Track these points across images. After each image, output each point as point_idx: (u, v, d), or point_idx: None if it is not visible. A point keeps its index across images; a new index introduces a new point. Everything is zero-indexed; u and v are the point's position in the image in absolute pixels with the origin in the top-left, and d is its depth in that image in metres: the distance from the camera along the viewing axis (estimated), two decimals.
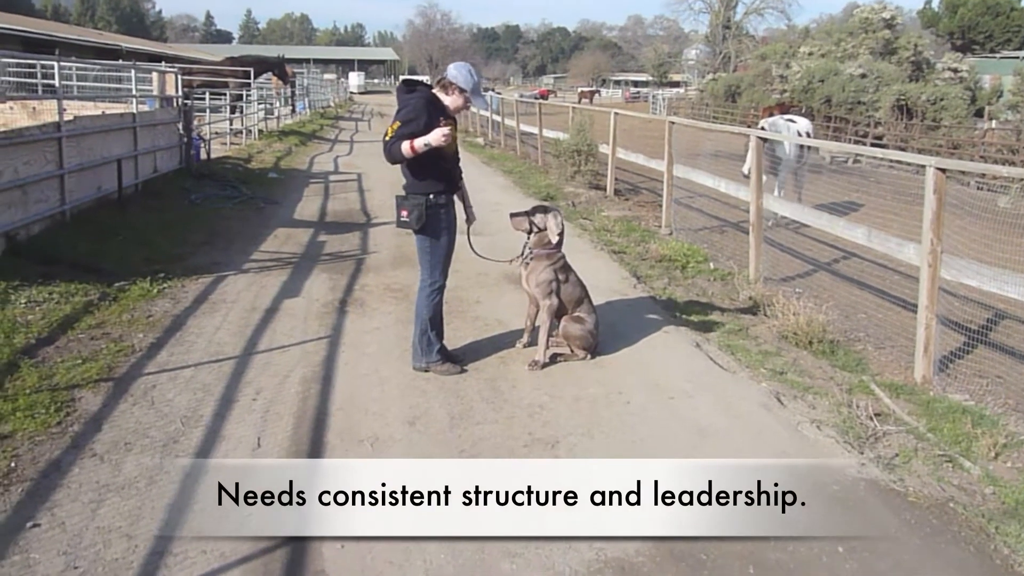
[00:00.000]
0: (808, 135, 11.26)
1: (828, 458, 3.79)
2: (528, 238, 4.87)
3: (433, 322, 4.59)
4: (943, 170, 4.72)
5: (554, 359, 4.86)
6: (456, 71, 4.42)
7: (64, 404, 3.98)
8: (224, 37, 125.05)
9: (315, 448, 3.69)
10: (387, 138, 4.26)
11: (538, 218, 4.84)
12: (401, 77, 4.73)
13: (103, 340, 4.95)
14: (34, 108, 11.45)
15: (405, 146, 4.19)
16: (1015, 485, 3.58)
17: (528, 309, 5.02)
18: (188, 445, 3.65)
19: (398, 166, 4.42)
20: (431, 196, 4.39)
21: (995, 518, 3.30)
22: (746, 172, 8.71)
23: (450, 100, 4.41)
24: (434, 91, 4.40)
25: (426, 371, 4.59)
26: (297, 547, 2.90)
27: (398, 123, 4.23)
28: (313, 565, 2.83)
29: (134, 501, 3.16)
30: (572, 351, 4.92)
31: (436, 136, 4.18)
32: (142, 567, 2.76)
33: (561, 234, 4.86)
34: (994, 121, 25.34)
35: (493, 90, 45.40)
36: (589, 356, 4.91)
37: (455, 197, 4.61)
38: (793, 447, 3.86)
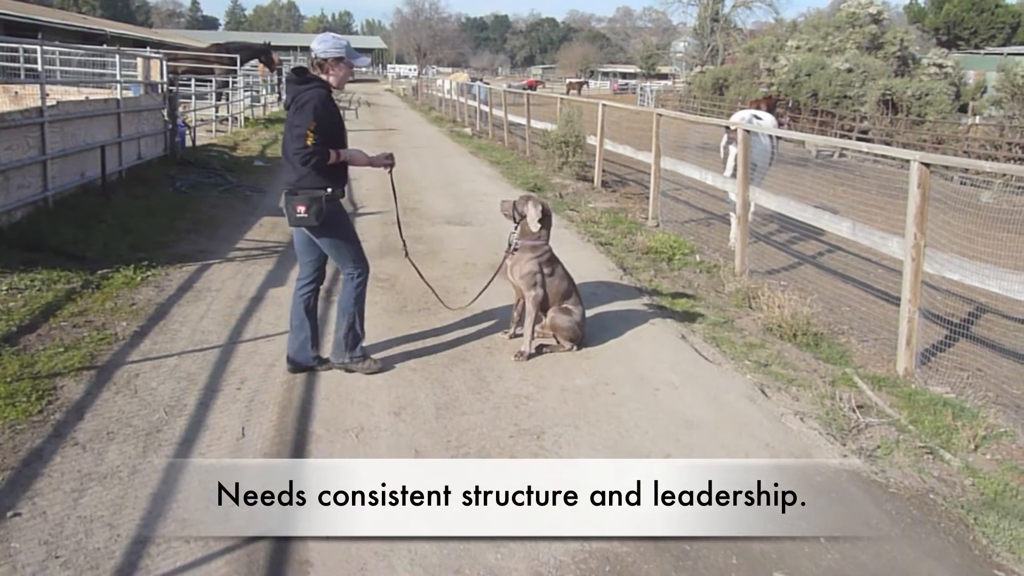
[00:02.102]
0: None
1: (811, 449, 3.82)
2: (515, 228, 4.87)
3: (360, 315, 4.42)
4: (927, 165, 4.75)
5: (540, 350, 4.87)
6: (323, 45, 4.11)
7: (46, 392, 3.95)
8: (210, 23, 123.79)
9: (300, 438, 3.67)
10: (309, 143, 3.92)
11: (521, 206, 4.83)
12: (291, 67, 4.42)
13: (86, 328, 4.90)
14: (16, 93, 11.28)
15: (332, 155, 4.05)
16: (994, 476, 3.63)
17: (516, 301, 5.02)
18: (172, 434, 3.62)
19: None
20: (329, 190, 4.13)
21: (974, 509, 3.35)
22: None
23: (334, 77, 4.13)
24: (318, 76, 4.12)
25: (349, 370, 4.38)
26: (282, 538, 2.89)
27: (314, 123, 3.92)
28: (298, 555, 2.82)
29: (117, 490, 3.13)
30: (559, 342, 4.92)
31: (383, 160, 4.41)
32: (124, 556, 2.74)
33: (547, 226, 4.85)
34: (978, 117, 25.55)
35: (481, 80, 45.22)
36: (575, 347, 4.92)
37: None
38: (777, 439, 3.90)
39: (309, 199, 4.05)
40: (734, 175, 8.50)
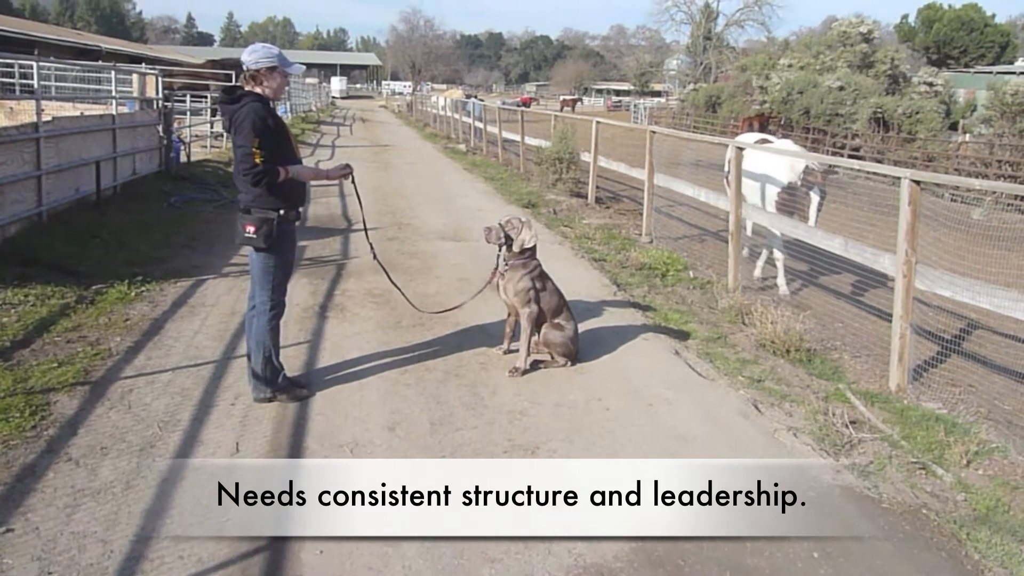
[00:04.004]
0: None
1: (804, 465, 3.84)
2: (500, 250, 4.92)
3: (275, 347, 4.22)
4: (918, 182, 4.81)
5: (535, 366, 4.88)
6: (254, 55, 3.93)
7: (39, 408, 3.93)
8: (205, 39, 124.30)
9: (294, 453, 3.67)
10: (257, 161, 3.78)
11: (511, 230, 4.87)
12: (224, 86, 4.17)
13: (80, 343, 4.90)
14: (12, 108, 11.31)
15: (281, 172, 3.91)
16: (986, 492, 3.65)
17: (508, 317, 5.04)
18: (166, 449, 3.62)
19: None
20: (282, 212, 3.97)
21: (966, 524, 3.36)
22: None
23: (269, 88, 3.95)
24: (251, 90, 3.95)
25: (271, 400, 4.17)
26: (275, 551, 2.89)
27: (256, 140, 3.78)
28: (291, 570, 2.82)
29: (110, 506, 3.13)
30: (553, 358, 4.94)
31: (339, 171, 4.29)
32: (118, 572, 2.74)
33: (533, 244, 4.90)
34: (968, 135, 25.76)
35: (476, 96, 45.48)
36: (569, 363, 4.93)
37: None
38: (770, 454, 3.91)
39: (260, 220, 3.92)
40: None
